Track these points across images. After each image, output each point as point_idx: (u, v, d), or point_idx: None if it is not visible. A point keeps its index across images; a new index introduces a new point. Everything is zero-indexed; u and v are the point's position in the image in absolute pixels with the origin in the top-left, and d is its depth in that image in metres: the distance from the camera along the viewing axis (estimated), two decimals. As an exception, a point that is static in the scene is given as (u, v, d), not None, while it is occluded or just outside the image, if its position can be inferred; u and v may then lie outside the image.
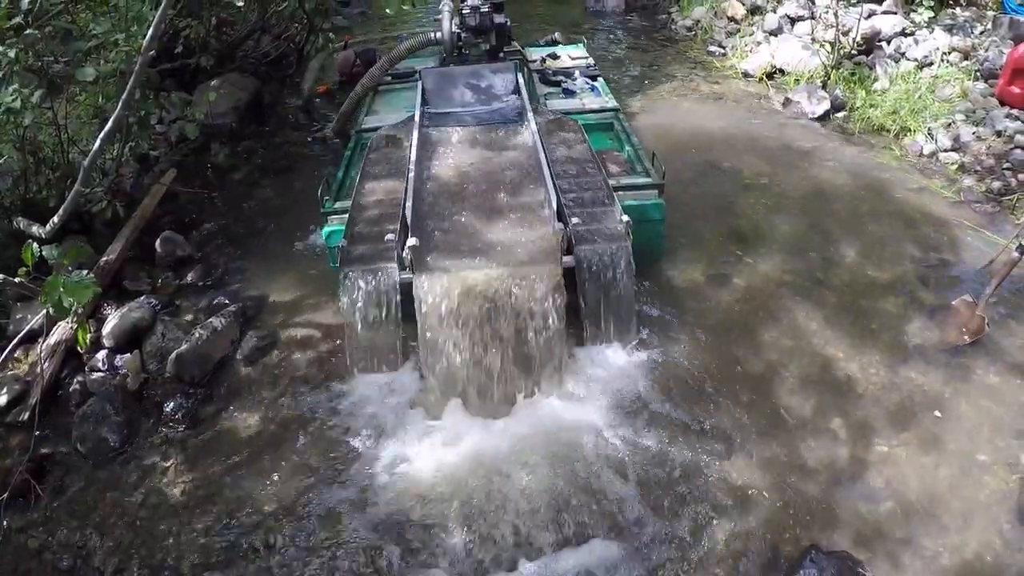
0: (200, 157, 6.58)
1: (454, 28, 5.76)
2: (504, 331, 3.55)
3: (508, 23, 5.92)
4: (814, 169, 5.77)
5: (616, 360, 3.82)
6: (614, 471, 3.28)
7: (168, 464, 3.54)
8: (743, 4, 9.02)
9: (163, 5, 3.91)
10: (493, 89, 5.47)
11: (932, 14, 7.46)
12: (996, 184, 5.30)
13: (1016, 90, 5.93)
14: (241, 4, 6.47)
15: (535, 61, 6.58)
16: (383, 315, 3.64)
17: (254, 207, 5.76)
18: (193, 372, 3.94)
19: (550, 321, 3.56)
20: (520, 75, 5.49)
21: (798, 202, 5.30)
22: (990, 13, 7.68)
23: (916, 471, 3.24)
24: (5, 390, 3.84)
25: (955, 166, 5.65)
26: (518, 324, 3.55)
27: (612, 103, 5.61)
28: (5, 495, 3.26)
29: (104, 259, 4.64)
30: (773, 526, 3.04)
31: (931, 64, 6.94)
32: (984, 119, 5.96)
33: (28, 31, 4.21)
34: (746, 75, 7.80)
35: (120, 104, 4.10)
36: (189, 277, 4.81)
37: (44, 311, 3.35)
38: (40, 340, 3.91)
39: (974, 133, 5.84)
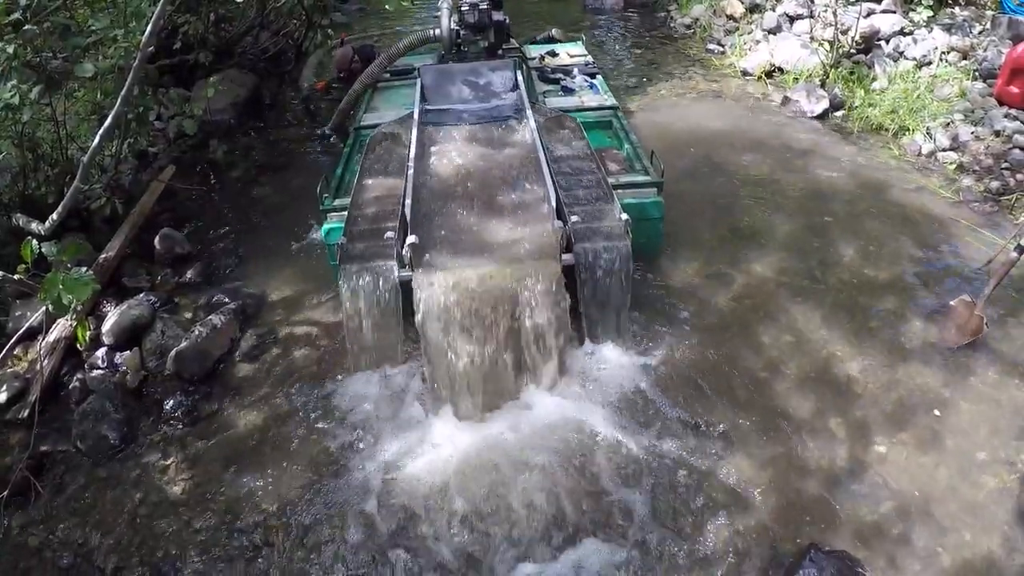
0: (198, 154, 6.57)
1: (453, 25, 5.76)
2: (503, 329, 3.54)
3: (507, 20, 5.91)
4: (812, 168, 5.77)
5: (614, 358, 3.83)
6: (612, 470, 3.28)
7: (168, 462, 3.54)
8: (742, 2, 9.02)
9: (162, 1, 3.90)
10: (492, 86, 5.47)
11: (931, 13, 7.45)
12: (994, 184, 5.31)
13: (1014, 90, 5.93)
14: (240, 0, 6.45)
15: (534, 59, 6.57)
16: (382, 313, 3.64)
17: (253, 204, 5.75)
18: (193, 369, 3.93)
19: (549, 319, 3.56)
20: (519, 72, 5.48)
21: (796, 201, 5.31)
22: (989, 13, 7.68)
23: (915, 470, 3.25)
24: (5, 387, 3.85)
25: (953, 165, 5.66)
26: (517, 322, 3.55)
27: (611, 101, 5.61)
28: (5, 493, 3.26)
29: (103, 256, 4.64)
30: (772, 525, 3.05)
31: (930, 63, 6.95)
32: (983, 119, 5.96)
33: (27, 27, 4.19)
34: (745, 73, 7.80)
35: (119, 100, 4.08)
36: (188, 274, 4.81)
37: (43, 308, 3.34)
38: (39, 337, 3.91)
39: (972, 133, 5.85)
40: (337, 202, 4.30)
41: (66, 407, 3.86)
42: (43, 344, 3.90)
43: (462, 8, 5.78)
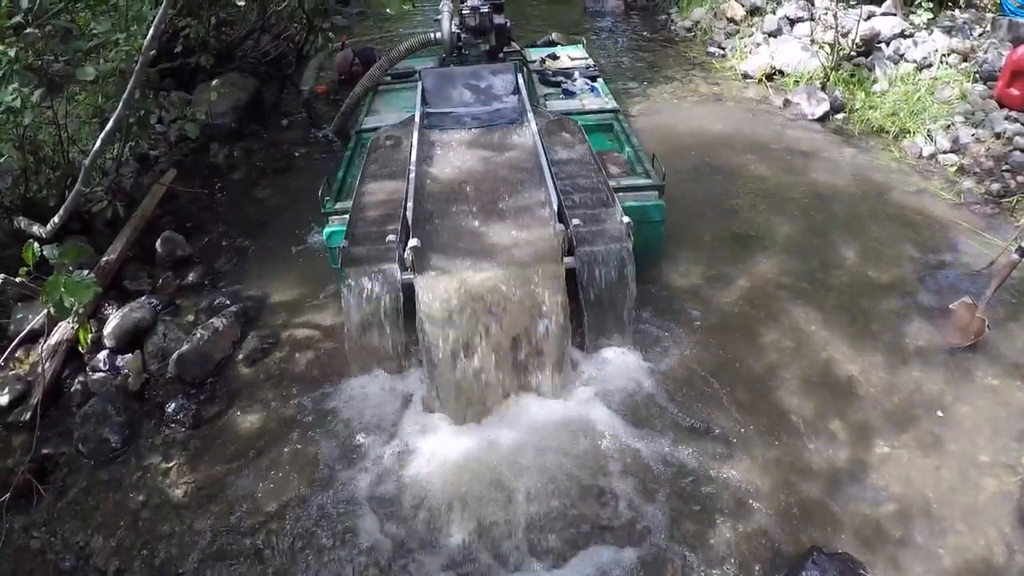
0: (199, 157, 6.58)
1: (454, 28, 5.76)
2: (505, 332, 3.55)
3: (508, 24, 5.92)
4: (813, 170, 5.78)
5: (616, 361, 3.82)
6: (614, 472, 3.28)
7: (170, 465, 3.54)
8: (742, 5, 9.04)
9: (164, 5, 3.90)
10: (493, 90, 5.47)
11: (931, 16, 7.48)
12: (995, 186, 5.32)
13: (1015, 92, 5.94)
14: (241, 4, 6.47)
15: (535, 62, 6.58)
16: (384, 316, 3.64)
17: (254, 207, 5.76)
18: (194, 372, 3.94)
19: (551, 322, 3.56)
20: (520, 76, 5.49)
21: (797, 203, 5.31)
22: (989, 15, 7.70)
23: (917, 473, 3.25)
24: (7, 390, 3.84)
25: (954, 168, 5.66)
26: (519, 325, 3.55)
27: (612, 104, 5.62)
28: (7, 495, 3.26)
29: (104, 259, 4.64)
30: (775, 527, 3.05)
31: (930, 66, 6.96)
32: (983, 121, 5.97)
33: (28, 30, 4.20)
34: (746, 76, 7.81)
35: (120, 103, 4.09)
36: (190, 277, 4.81)
37: (45, 311, 3.35)
38: (41, 340, 3.91)
39: (973, 135, 5.86)
40: (339, 205, 4.31)
41: (68, 410, 3.86)
42: (45, 347, 3.91)
43: (463, 11, 5.80)
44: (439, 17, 5.85)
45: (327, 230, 4.20)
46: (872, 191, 5.45)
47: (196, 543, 3.14)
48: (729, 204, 5.31)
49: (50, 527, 3.29)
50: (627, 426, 3.49)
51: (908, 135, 6.17)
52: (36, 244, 3.25)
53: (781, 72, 7.63)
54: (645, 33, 9.71)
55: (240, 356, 4.12)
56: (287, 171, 6.29)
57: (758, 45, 8.19)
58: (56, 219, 4.36)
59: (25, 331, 3.78)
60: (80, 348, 4.04)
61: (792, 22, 8.26)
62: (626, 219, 3.70)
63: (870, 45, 7.31)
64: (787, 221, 5.08)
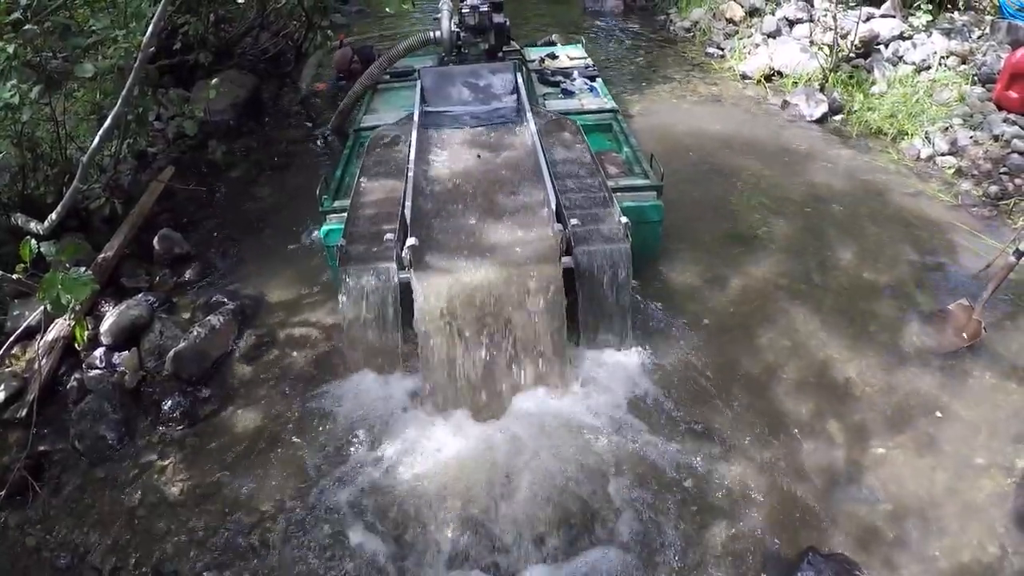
0: (198, 154, 6.58)
1: (453, 27, 5.76)
2: (503, 331, 3.55)
3: (507, 23, 5.92)
4: (812, 172, 5.78)
5: (614, 361, 3.82)
6: (611, 472, 3.28)
7: (166, 462, 3.54)
8: (742, 6, 9.04)
9: (163, 1, 3.90)
10: (492, 89, 5.48)
11: (930, 18, 7.48)
12: (993, 188, 5.32)
13: (1013, 95, 5.95)
14: (240, 1, 6.46)
15: (534, 61, 6.58)
16: (382, 315, 3.64)
17: (252, 204, 5.76)
18: (191, 370, 3.93)
19: (548, 322, 3.56)
20: (519, 75, 5.49)
21: (795, 204, 5.32)
22: (988, 17, 7.72)
23: (913, 474, 3.25)
24: (2, 387, 3.84)
25: (952, 170, 5.67)
26: (516, 324, 3.55)
27: (611, 104, 5.61)
28: (3, 492, 3.26)
29: (102, 256, 4.63)
30: (771, 528, 3.05)
31: (929, 68, 6.96)
32: (981, 123, 5.97)
33: (27, 26, 4.19)
34: (744, 77, 7.81)
35: (119, 100, 4.09)
36: (187, 274, 4.81)
37: (42, 308, 3.35)
38: (38, 337, 3.91)
39: (971, 137, 5.86)
40: (337, 204, 4.30)
41: (64, 407, 3.86)
42: (41, 343, 3.90)
43: (462, 10, 5.79)
44: (439, 16, 5.85)
45: (325, 228, 4.19)
46: (870, 193, 5.45)
47: (192, 541, 3.14)
48: (727, 205, 5.31)
49: (46, 524, 3.29)
50: (623, 425, 3.50)
51: (906, 137, 6.18)
52: (33, 241, 3.26)
53: (780, 73, 7.63)
54: (644, 33, 9.70)
55: (237, 354, 4.12)
56: (285, 169, 6.29)
57: (757, 46, 8.19)
58: (54, 216, 4.36)
59: (22, 328, 3.77)
60: (77, 345, 4.03)
61: (791, 23, 8.26)
62: (624, 219, 3.71)
63: (869, 47, 7.31)
64: (785, 222, 5.08)
